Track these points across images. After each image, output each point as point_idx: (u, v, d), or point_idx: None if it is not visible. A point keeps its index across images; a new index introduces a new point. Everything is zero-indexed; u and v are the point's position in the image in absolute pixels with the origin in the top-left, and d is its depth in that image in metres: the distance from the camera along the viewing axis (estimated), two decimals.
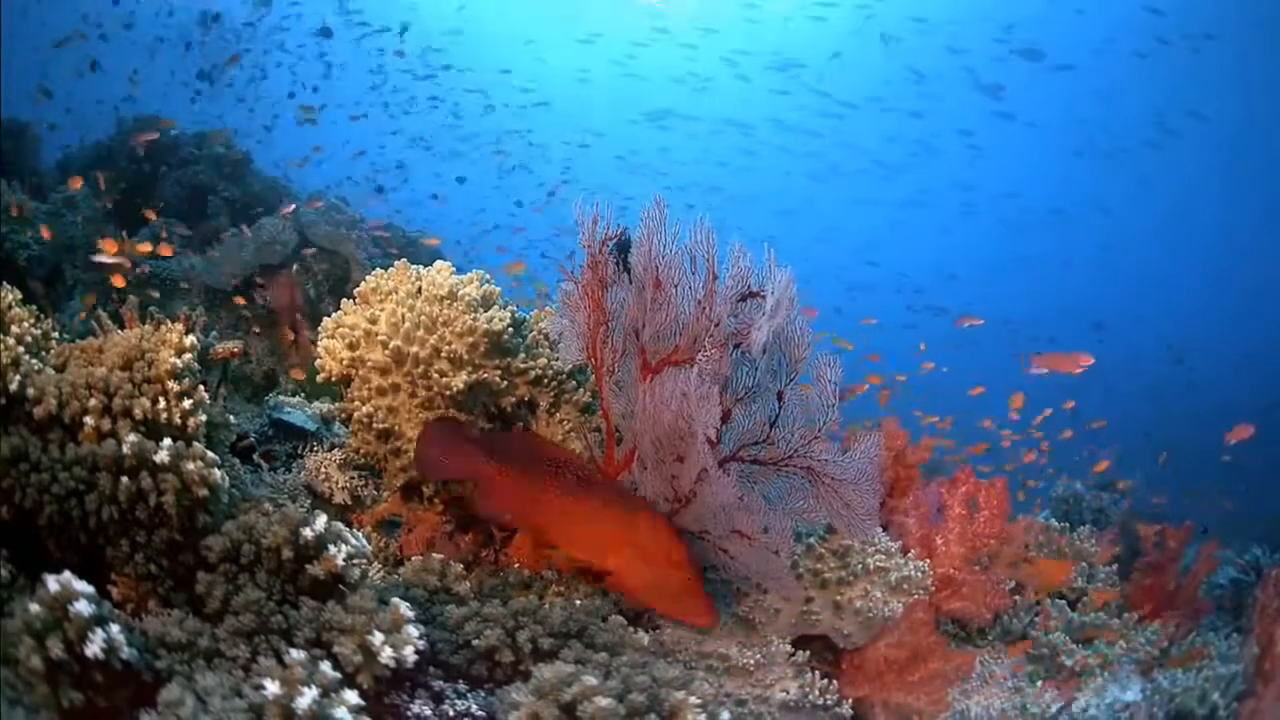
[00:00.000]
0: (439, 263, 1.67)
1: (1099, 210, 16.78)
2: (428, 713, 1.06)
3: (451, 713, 1.08)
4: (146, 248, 3.08)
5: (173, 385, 1.23)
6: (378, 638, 0.99)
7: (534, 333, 1.74)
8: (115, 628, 0.91)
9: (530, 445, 1.54)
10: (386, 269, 1.69)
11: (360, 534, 1.16)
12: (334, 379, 1.63)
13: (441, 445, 1.54)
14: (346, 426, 1.70)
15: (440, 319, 1.57)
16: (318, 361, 1.65)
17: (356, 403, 1.61)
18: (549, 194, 8.90)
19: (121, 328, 1.54)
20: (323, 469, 1.80)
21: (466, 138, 10.26)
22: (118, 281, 2.88)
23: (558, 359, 1.65)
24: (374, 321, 1.59)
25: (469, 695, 1.13)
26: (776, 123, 15.16)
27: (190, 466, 1.10)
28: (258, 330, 3.22)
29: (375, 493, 1.79)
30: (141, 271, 3.13)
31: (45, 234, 2.98)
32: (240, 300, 3.24)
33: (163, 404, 1.21)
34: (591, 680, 0.98)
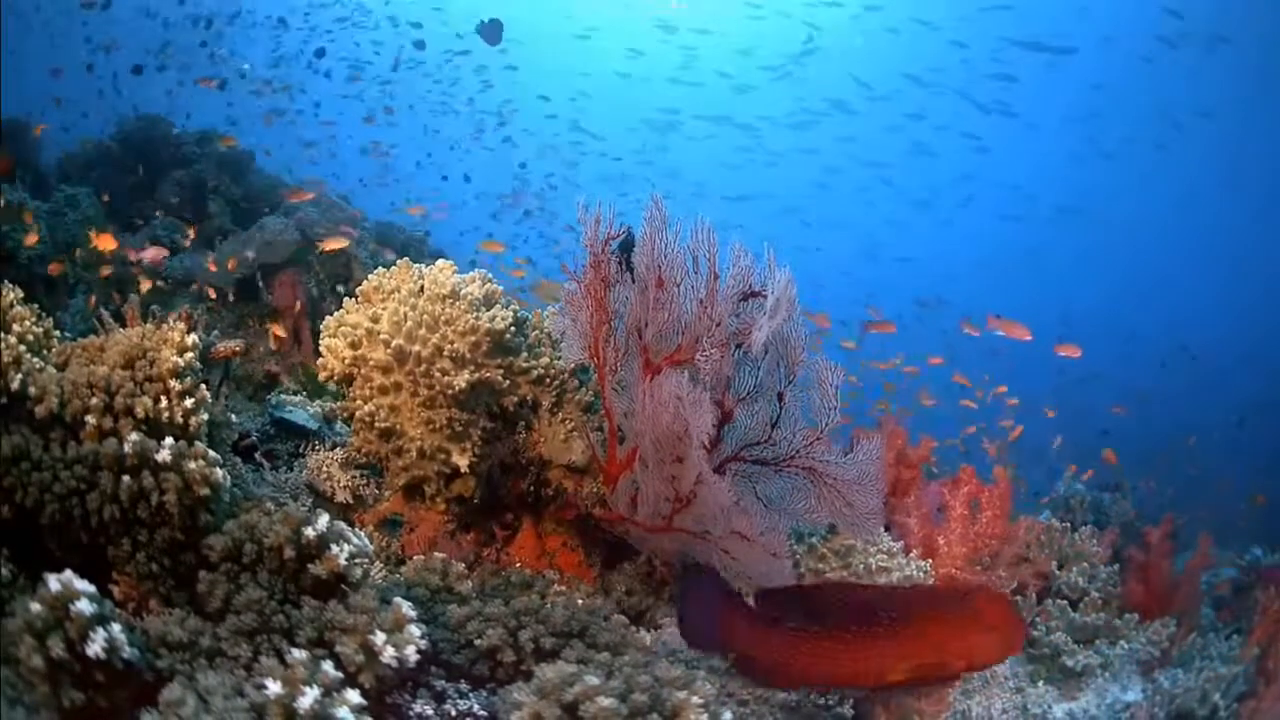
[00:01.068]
0: (441, 261, 1.67)
1: (1103, 208, 16.76)
2: (429, 712, 1.06)
3: (453, 712, 1.08)
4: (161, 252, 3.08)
5: (174, 384, 1.23)
6: (380, 637, 0.99)
7: (536, 331, 1.74)
8: (116, 627, 0.91)
9: (830, 595, 1.32)
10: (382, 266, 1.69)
11: (362, 533, 1.16)
12: (336, 378, 1.63)
13: (704, 614, 1.33)
14: (348, 425, 1.70)
15: (442, 318, 1.57)
16: (319, 360, 1.65)
17: (358, 401, 1.61)
18: (549, 188, 8.93)
19: (123, 326, 1.54)
20: (324, 468, 1.79)
21: (474, 132, 10.25)
22: (144, 285, 2.89)
23: (560, 358, 1.65)
24: (376, 320, 1.59)
25: (471, 695, 1.13)
26: (774, 121, 15.15)
27: (192, 465, 1.09)
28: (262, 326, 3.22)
29: (377, 492, 1.79)
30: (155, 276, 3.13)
31: (31, 239, 2.98)
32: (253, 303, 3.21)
33: (164, 403, 1.20)
34: (594, 680, 0.98)
